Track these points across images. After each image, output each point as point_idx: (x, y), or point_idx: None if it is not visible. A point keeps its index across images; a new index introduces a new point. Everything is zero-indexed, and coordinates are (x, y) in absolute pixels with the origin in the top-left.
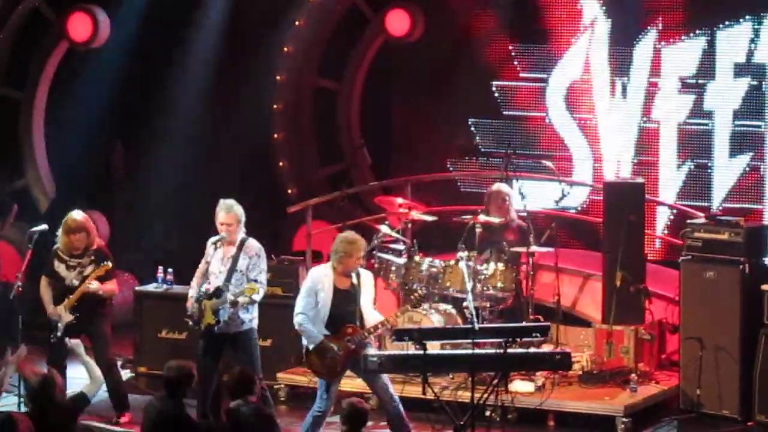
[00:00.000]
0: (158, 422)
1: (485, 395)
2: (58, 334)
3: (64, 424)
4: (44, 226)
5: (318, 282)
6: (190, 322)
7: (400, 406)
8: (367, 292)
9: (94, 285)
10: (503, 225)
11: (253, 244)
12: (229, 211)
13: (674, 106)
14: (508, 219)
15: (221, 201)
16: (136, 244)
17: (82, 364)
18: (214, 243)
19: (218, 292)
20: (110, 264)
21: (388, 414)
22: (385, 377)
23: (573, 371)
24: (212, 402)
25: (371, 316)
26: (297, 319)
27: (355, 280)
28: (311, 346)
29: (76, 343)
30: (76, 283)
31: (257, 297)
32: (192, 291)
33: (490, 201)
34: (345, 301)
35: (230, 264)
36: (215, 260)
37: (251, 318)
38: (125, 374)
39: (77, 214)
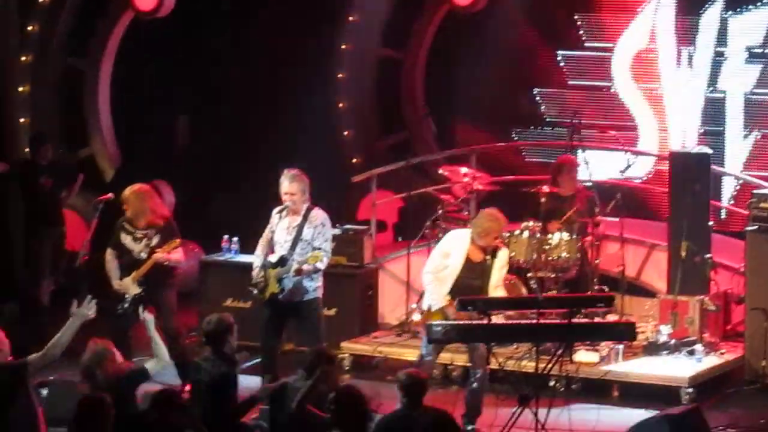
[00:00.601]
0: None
1: (549, 365)
2: (125, 305)
3: (118, 395)
4: (110, 195)
5: (452, 246)
6: (255, 291)
7: (487, 384)
8: (498, 273)
9: (160, 255)
10: (570, 195)
11: (318, 213)
12: (292, 181)
13: (741, 75)
14: (575, 189)
15: (285, 170)
16: (201, 213)
17: (151, 340)
18: (279, 212)
19: (282, 261)
20: (178, 240)
21: (470, 385)
22: (485, 350)
23: (637, 342)
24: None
25: (493, 293)
26: (424, 278)
27: (489, 257)
28: (434, 307)
29: (149, 319)
30: (143, 255)
31: (321, 265)
32: (257, 260)
33: (558, 172)
34: (473, 274)
35: (295, 233)
36: (280, 229)
37: (316, 287)
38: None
39: (131, 188)
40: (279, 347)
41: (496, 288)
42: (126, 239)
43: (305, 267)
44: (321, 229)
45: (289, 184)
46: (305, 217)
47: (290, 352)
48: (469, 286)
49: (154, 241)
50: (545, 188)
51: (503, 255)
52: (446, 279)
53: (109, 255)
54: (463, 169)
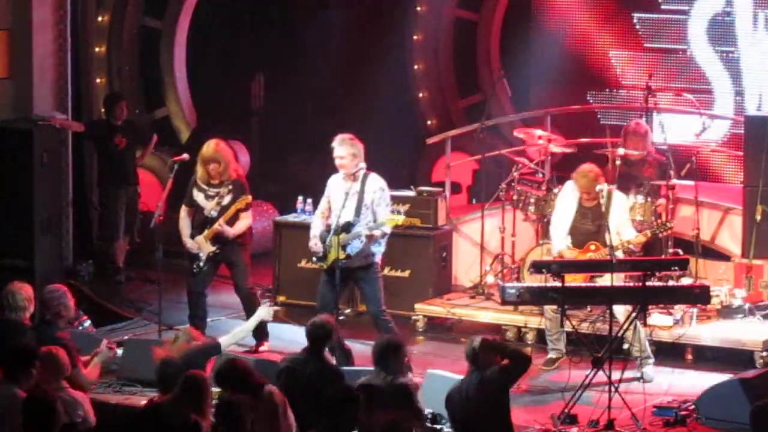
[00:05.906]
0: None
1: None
2: (200, 264)
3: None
4: (185, 156)
5: (566, 194)
6: (314, 259)
7: None
8: (617, 215)
9: (226, 228)
10: (641, 159)
11: (376, 178)
12: (341, 144)
13: None
14: (646, 153)
15: (338, 135)
16: (276, 174)
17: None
18: (335, 179)
19: (347, 227)
20: (250, 197)
21: None
22: None
23: (712, 305)
24: None
25: (622, 233)
26: (550, 229)
27: (602, 200)
28: (554, 252)
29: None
30: (215, 213)
31: (388, 230)
32: (314, 229)
33: (628, 135)
34: (586, 219)
35: (356, 199)
36: (338, 196)
37: (377, 252)
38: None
39: (211, 144)
40: (337, 312)
41: (618, 226)
42: (198, 196)
43: (376, 232)
44: (381, 194)
45: (339, 148)
46: (363, 183)
47: (349, 317)
48: (583, 230)
49: (226, 200)
50: (620, 151)
51: (617, 197)
52: (565, 226)
53: (183, 212)
54: (538, 132)
